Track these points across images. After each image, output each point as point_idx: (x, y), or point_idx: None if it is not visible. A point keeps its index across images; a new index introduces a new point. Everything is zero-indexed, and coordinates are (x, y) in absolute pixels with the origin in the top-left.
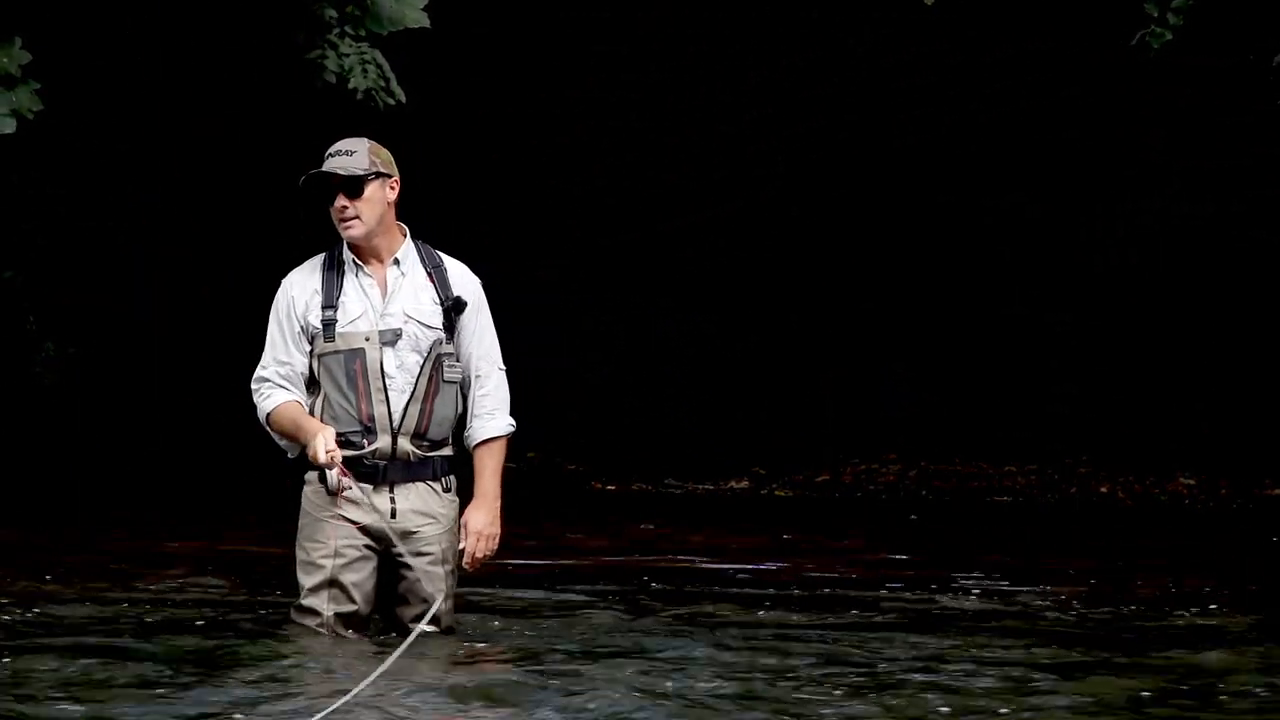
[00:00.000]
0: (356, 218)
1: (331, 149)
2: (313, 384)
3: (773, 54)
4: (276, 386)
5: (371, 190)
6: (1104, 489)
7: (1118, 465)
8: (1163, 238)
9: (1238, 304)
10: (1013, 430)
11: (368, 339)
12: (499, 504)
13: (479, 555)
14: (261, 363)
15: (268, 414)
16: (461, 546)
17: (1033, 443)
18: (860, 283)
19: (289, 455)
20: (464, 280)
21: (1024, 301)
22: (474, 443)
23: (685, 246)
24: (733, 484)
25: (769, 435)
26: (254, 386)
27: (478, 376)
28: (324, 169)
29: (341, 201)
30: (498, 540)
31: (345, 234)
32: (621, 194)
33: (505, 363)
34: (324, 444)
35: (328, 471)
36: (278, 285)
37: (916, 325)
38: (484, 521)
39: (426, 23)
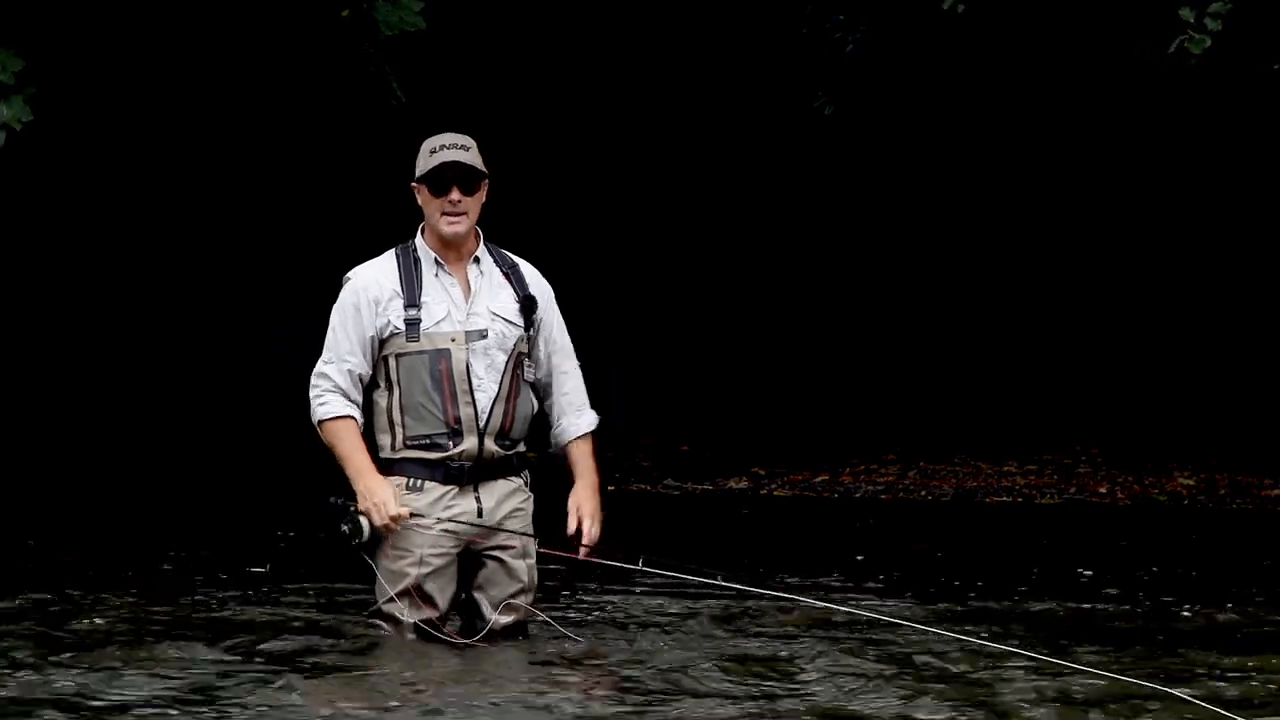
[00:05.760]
0: (465, 214)
1: (442, 141)
2: (376, 384)
3: (773, 53)
4: (336, 391)
5: (481, 190)
6: (1103, 489)
7: (1116, 465)
8: (1162, 237)
9: (1238, 304)
10: (1012, 430)
11: (453, 340)
12: (597, 492)
13: (593, 536)
14: (324, 358)
15: (321, 421)
16: (573, 531)
17: (1032, 443)
18: (859, 282)
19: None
20: (537, 280)
21: (1025, 301)
22: (567, 439)
23: (686, 245)
24: (731, 484)
25: (768, 435)
26: (314, 380)
27: (561, 373)
28: (449, 159)
29: (457, 195)
30: (600, 522)
31: (448, 229)
32: (621, 194)
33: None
34: (394, 507)
35: (364, 520)
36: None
37: (915, 325)
38: (594, 506)
39: (422, 25)
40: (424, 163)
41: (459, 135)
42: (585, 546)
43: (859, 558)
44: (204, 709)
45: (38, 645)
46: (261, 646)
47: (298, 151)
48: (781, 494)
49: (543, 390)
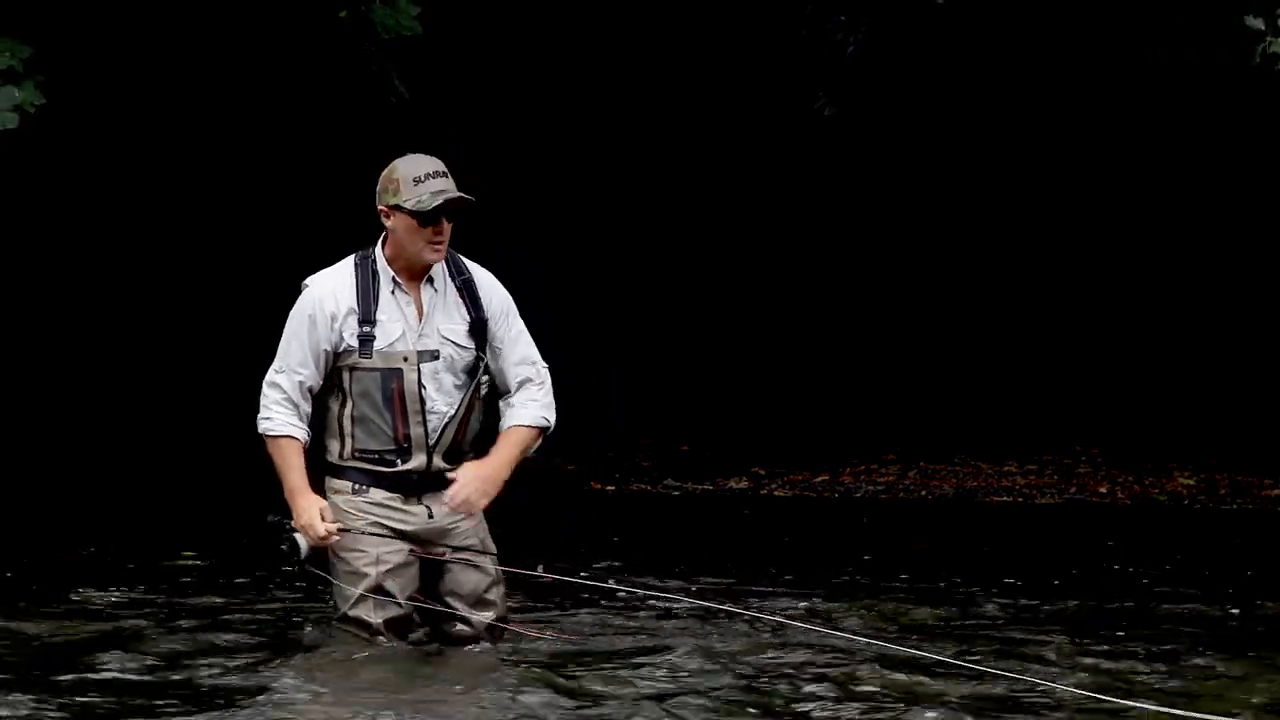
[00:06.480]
0: (444, 242)
1: (424, 169)
2: (329, 390)
3: (773, 54)
4: (285, 404)
5: None
6: (1103, 489)
7: (1116, 465)
8: (1162, 238)
9: (1237, 303)
10: (1012, 430)
11: (405, 359)
12: (497, 474)
13: (459, 499)
14: (276, 366)
15: (266, 435)
16: (449, 495)
17: (1032, 443)
18: (859, 282)
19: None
20: (492, 290)
21: (1024, 300)
22: (504, 426)
23: (686, 246)
24: (731, 484)
25: (768, 435)
26: (265, 389)
27: (523, 381)
28: (451, 195)
29: (446, 226)
30: (482, 499)
31: (429, 257)
32: (621, 195)
33: None
34: (321, 528)
35: (301, 538)
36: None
37: (915, 325)
38: (472, 474)
39: (419, 29)
40: (411, 193)
41: (433, 160)
42: (449, 503)
43: (866, 557)
44: None
45: (24, 650)
46: (229, 654)
47: (297, 150)
48: (781, 494)
49: (498, 398)
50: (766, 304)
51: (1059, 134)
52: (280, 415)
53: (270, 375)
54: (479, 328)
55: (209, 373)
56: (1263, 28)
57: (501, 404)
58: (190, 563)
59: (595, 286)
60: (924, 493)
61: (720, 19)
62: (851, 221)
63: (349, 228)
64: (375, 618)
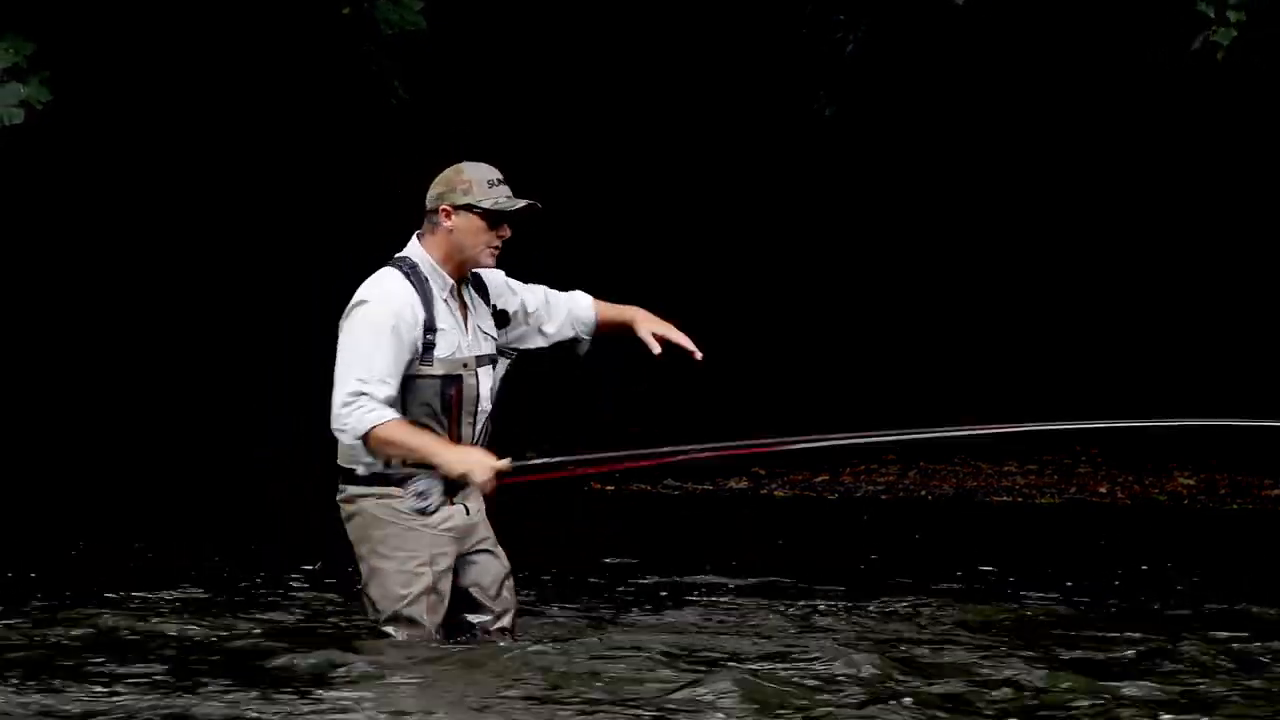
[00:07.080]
0: (501, 246)
1: (495, 174)
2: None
3: (773, 53)
4: (382, 405)
5: None
6: (1103, 489)
7: (1116, 465)
8: (1163, 237)
9: (1238, 303)
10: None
11: (465, 365)
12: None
13: (663, 331)
14: (359, 376)
15: (375, 426)
16: (656, 347)
17: (1033, 443)
18: (859, 282)
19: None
20: (494, 281)
21: (1024, 300)
22: (588, 311)
23: (685, 245)
24: (732, 484)
25: (768, 435)
26: (348, 398)
27: (551, 303)
28: (521, 201)
29: (507, 231)
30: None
31: (486, 260)
32: (620, 194)
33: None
34: (493, 461)
35: (435, 486)
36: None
37: (915, 324)
38: (644, 315)
39: (423, 24)
40: (487, 194)
41: (490, 167)
42: (694, 351)
43: (873, 556)
44: None
45: (29, 655)
46: (281, 663)
47: (297, 149)
48: (781, 494)
49: (548, 325)
50: (766, 303)
51: (1058, 132)
52: (380, 409)
53: (353, 385)
54: (503, 318)
55: (207, 366)
56: (1212, 15)
57: (557, 325)
58: (198, 564)
59: (595, 286)
60: (924, 493)
61: (720, 19)
62: (851, 221)
63: (348, 226)
64: (429, 619)
